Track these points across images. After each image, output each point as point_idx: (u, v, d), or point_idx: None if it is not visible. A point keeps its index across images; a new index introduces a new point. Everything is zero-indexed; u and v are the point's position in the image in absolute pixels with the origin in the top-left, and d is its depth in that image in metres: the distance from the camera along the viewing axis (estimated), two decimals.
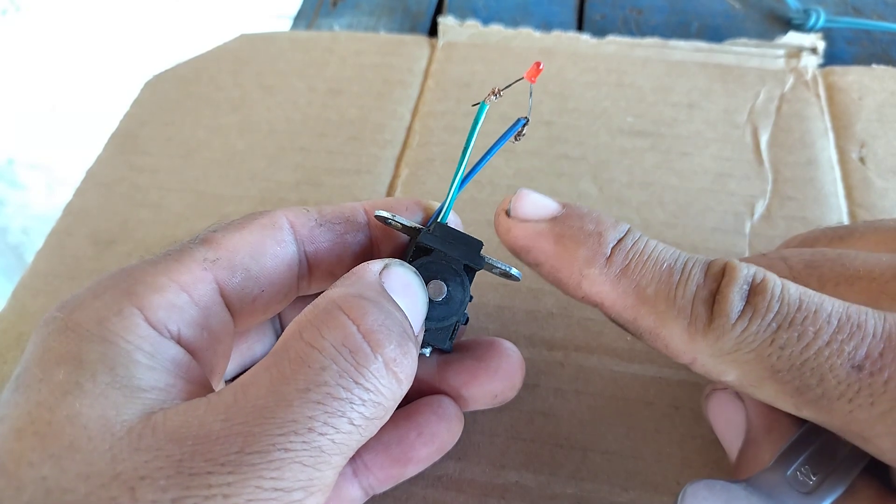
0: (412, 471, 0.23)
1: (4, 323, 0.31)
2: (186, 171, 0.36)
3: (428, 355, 0.24)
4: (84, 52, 1.01)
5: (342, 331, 0.17)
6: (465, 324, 0.23)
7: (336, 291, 0.18)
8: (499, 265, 0.22)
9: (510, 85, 0.21)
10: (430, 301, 0.21)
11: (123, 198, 0.36)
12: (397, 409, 0.24)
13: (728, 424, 0.23)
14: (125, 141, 0.38)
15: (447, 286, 0.21)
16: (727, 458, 0.23)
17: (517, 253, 0.20)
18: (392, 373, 0.17)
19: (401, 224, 0.22)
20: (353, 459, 0.23)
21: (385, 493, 0.24)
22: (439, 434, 0.23)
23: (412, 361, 0.18)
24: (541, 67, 0.20)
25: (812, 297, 0.17)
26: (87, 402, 0.15)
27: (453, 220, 0.23)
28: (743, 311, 0.17)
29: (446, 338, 0.22)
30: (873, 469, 0.19)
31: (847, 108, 0.37)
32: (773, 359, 0.16)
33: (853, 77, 0.38)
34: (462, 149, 0.21)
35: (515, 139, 0.21)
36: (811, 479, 0.19)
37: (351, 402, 0.16)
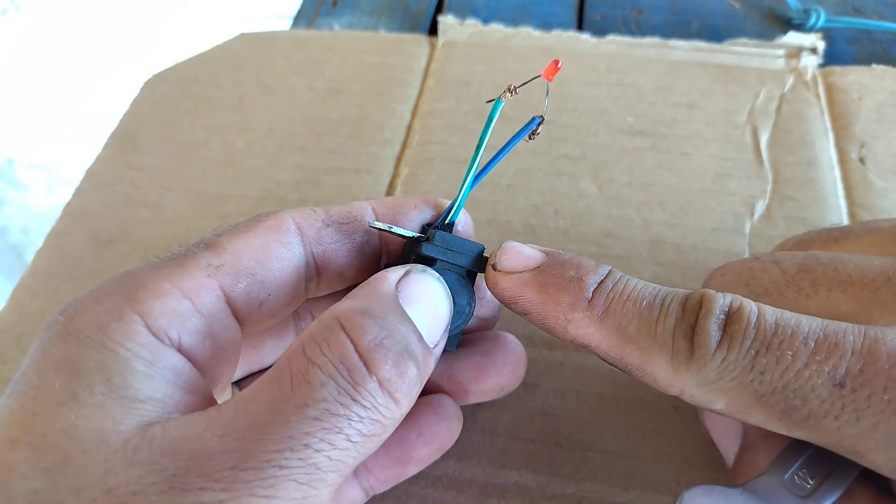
0: (412, 470, 0.23)
1: (4, 323, 0.31)
2: (186, 171, 0.36)
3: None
4: (84, 52, 1.01)
5: (340, 349, 0.16)
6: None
7: (343, 305, 0.18)
8: None
9: (527, 83, 0.20)
10: None
11: (123, 197, 0.36)
12: None
13: (725, 431, 0.23)
14: (125, 140, 0.38)
15: (454, 296, 0.21)
16: None
17: (507, 304, 0.20)
18: (387, 393, 0.17)
19: (399, 234, 0.21)
20: None
21: (385, 493, 0.24)
22: (439, 434, 0.23)
23: (410, 381, 0.17)
24: (559, 66, 0.20)
25: (788, 319, 0.17)
26: (83, 414, 0.15)
27: (464, 219, 0.23)
28: (721, 341, 0.17)
29: (455, 342, 0.22)
30: (870, 474, 0.19)
31: (847, 109, 0.37)
32: (756, 384, 0.17)
33: (853, 77, 0.38)
34: (476, 146, 0.21)
35: (530, 138, 0.21)
36: (808, 483, 0.19)
37: (349, 419, 0.16)
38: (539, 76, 0.20)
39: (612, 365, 0.19)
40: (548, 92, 0.21)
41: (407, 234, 0.21)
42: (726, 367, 0.17)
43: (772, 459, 0.20)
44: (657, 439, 0.26)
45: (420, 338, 0.18)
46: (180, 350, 0.18)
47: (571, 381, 0.27)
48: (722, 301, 0.18)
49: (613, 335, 0.18)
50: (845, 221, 0.32)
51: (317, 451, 0.15)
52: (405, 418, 0.23)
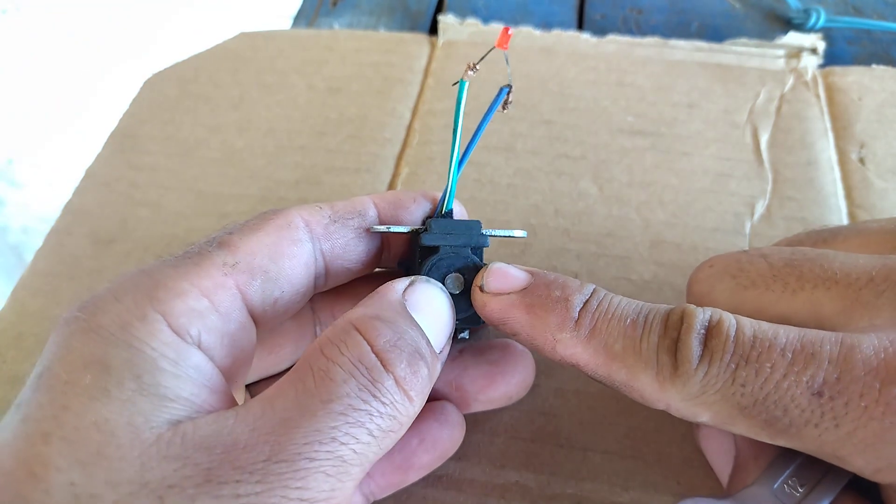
0: (413, 477, 0.23)
1: (4, 322, 0.31)
2: (186, 170, 0.36)
3: (468, 338, 0.24)
4: (84, 52, 1.01)
5: (358, 349, 0.17)
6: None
7: (355, 312, 0.19)
8: (501, 233, 0.23)
9: (483, 57, 0.21)
10: (452, 295, 0.21)
11: (123, 197, 0.36)
12: None
13: (719, 452, 0.23)
14: (124, 140, 0.38)
15: (463, 276, 0.22)
16: None
17: (495, 326, 0.21)
18: (402, 390, 0.17)
19: (399, 232, 0.22)
20: None
21: None
22: (441, 441, 0.23)
23: (422, 380, 0.18)
24: (509, 33, 0.20)
25: (766, 331, 0.17)
26: (115, 409, 0.16)
27: (458, 209, 0.23)
28: (702, 356, 0.18)
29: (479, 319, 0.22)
30: (858, 483, 0.19)
31: (847, 109, 0.37)
32: (738, 396, 0.17)
33: (853, 77, 0.38)
34: (452, 132, 0.22)
35: (503, 108, 0.22)
36: (798, 492, 0.19)
37: (369, 414, 0.17)
38: (494, 48, 0.21)
39: (601, 382, 0.20)
40: (507, 61, 0.22)
41: (407, 230, 0.22)
42: (709, 381, 0.17)
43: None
44: (657, 439, 0.26)
45: (428, 342, 0.19)
46: (199, 348, 0.18)
47: (571, 381, 0.27)
48: (702, 316, 0.18)
49: (600, 354, 0.19)
50: (845, 222, 0.32)
51: (342, 444, 0.16)
52: None
